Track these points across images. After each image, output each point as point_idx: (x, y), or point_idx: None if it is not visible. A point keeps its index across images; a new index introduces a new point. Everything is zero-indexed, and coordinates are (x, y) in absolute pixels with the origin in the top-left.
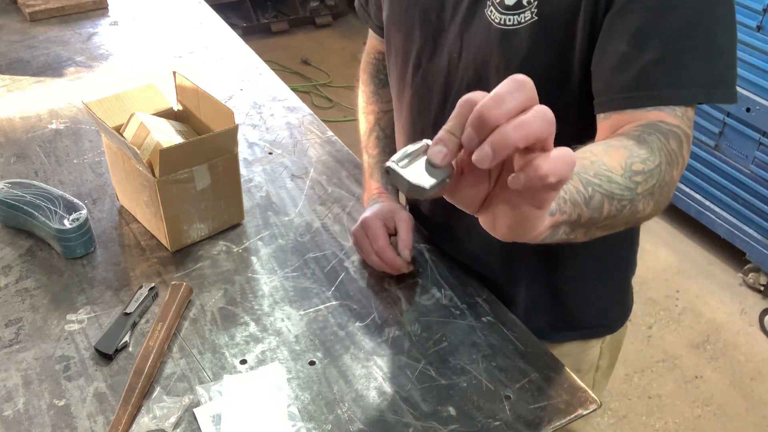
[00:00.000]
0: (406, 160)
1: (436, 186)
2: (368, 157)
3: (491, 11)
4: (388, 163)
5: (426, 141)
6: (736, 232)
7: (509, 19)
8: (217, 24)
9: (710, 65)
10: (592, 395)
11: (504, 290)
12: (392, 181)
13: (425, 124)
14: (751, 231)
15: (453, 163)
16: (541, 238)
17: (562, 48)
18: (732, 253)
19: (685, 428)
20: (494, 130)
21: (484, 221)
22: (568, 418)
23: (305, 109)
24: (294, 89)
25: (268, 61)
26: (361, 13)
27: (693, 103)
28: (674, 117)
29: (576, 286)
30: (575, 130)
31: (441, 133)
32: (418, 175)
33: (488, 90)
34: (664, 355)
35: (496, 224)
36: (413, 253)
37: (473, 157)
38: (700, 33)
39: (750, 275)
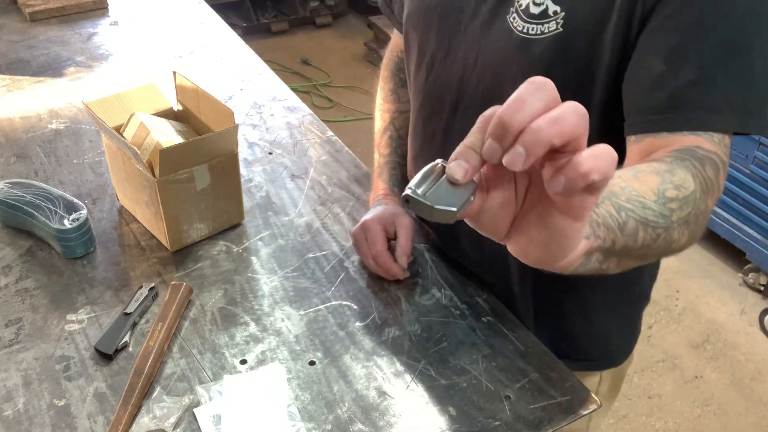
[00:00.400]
0: (423, 186)
1: (463, 206)
2: (379, 156)
3: (514, 18)
4: (406, 192)
5: (440, 161)
6: (736, 232)
7: (532, 28)
8: (217, 24)
9: (746, 93)
10: (592, 395)
11: (512, 311)
12: (413, 209)
13: (436, 128)
14: (751, 231)
15: (475, 178)
16: (573, 267)
17: (586, 63)
18: (732, 253)
19: (685, 428)
20: (519, 136)
21: (514, 248)
22: (569, 418)
23: (305, 109)
24: (294, 89)
25: (268, 61)
26: (384, 9)
27: (729, 130)
28: (711, 143)
29: (585, 315)
30: None
31: (459, 147)
32: (441, 198)
33: (504, 100)
34: (664, 355)
35: (528, 248)
36: (412, 257)
37: (504, 159)
38: (738, 57)
39: (750, 275)
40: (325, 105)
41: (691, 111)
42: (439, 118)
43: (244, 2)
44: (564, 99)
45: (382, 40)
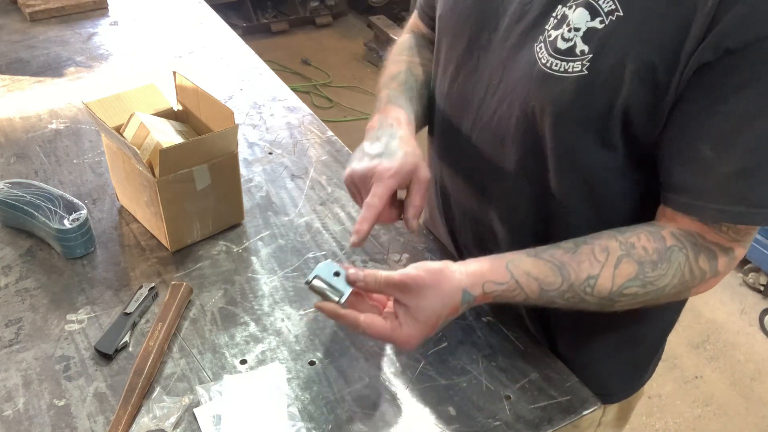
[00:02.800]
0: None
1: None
2: (386, 89)
3: (540, 48)
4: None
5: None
6: None
7: (556, 64)
8: (217, 24)
9: None
10: (593, 395)
11: None
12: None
13: (452, 143)
14: None
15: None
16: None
17: (608, 108)
18: None
19: (685, 428)
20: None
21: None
22: (569, 418)
23: (305, 109)
24: (294, 89)
25: (268, 61)
26: None
27: (764, 224)
28: (725, 238)
29: (580, 354)
30: (619, 189)
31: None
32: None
33: (512, 131)
34: (664, 355)
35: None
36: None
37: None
38: None
39: (750, 275)
40: (325, 105)
41: (729, 204)
42: (456, 134)
43: (244, 2)
44: (583, 139)
45: (382, 40)
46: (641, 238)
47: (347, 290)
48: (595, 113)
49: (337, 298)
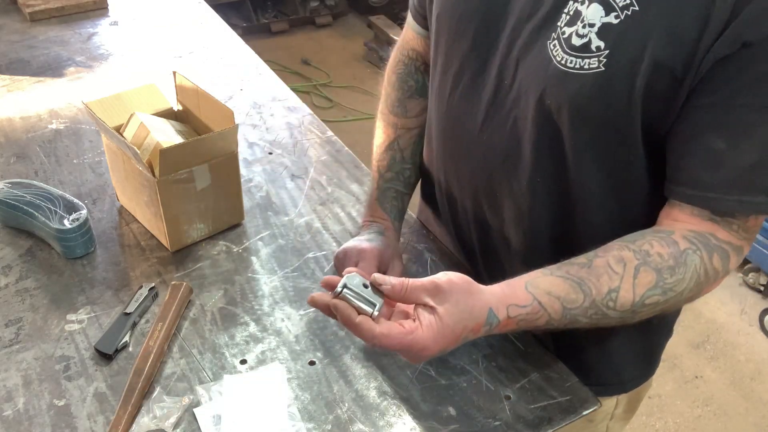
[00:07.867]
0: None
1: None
2: (379, 177)
3: (554, 45)
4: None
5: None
6: None
7: (571, 61)
8: (217, 24)
9: None
10: (593, 395)
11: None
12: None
13: (456, 148)
14: None
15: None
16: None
17: (626, 105)
18: None
19: (685, 428)
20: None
21: None
22: (569, 418)
23: (305, 109)
24: (294, 89)
25: (268, 61)
26: None
27: None
28: (735, 236)
29: (602, 346)
30: (644, 182)
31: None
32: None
33: (529, 130)
34: (664, 355)
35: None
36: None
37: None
38: None
39: (750, 275)
40: (325, 105)
41: (748, 194)
42: (462, 136)
43: (244, 2)
44: (602, 135)
45: (382, 40)
46: (654, 245)
47: (379, 301)
48: (613, 109)
49: (370, 310)
